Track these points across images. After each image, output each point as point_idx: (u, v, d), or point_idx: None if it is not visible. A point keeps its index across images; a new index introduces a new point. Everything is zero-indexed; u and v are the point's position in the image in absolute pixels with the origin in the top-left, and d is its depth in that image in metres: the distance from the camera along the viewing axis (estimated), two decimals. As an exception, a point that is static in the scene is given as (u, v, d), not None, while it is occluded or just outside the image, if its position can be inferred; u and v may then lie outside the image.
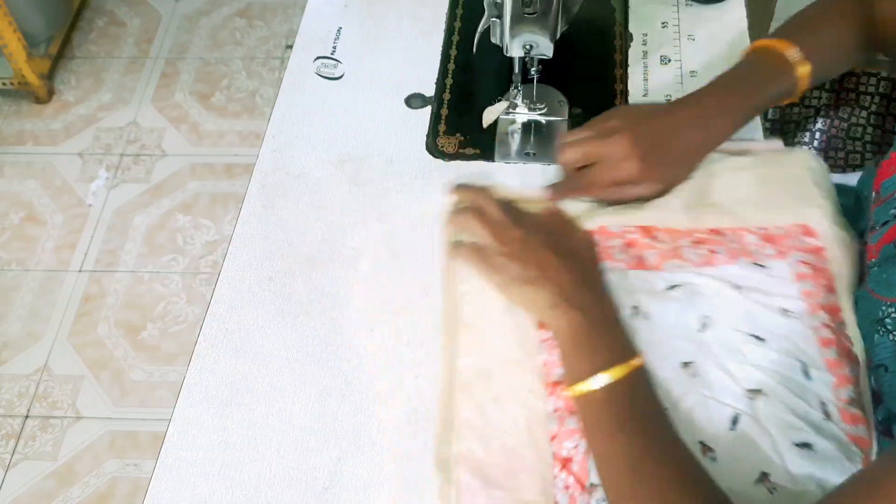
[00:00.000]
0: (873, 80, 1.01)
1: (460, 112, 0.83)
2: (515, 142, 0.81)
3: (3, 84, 1.91)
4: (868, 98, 1.00)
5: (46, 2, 1.99)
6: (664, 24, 0.89)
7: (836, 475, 0.54)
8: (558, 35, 0.73)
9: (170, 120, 1.94)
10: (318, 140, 0.82)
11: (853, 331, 0.62)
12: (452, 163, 0.79)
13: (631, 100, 0.82)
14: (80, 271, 1.69)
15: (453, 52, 0.89)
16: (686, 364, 0.61)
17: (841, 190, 0.78)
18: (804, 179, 0.70)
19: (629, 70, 0.85)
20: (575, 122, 0.80)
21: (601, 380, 0.56)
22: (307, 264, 0.73)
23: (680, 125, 0.69)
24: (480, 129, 0.82)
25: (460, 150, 0.80)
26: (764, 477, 0.56)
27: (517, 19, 0.71)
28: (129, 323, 1.61)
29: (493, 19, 0.73)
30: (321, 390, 0.65)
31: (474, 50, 0.77)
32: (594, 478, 0.57)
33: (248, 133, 1.91)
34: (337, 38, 0.91)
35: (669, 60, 0.86)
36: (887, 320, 0.59)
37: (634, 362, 0.58)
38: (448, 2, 0.94)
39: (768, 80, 0.71)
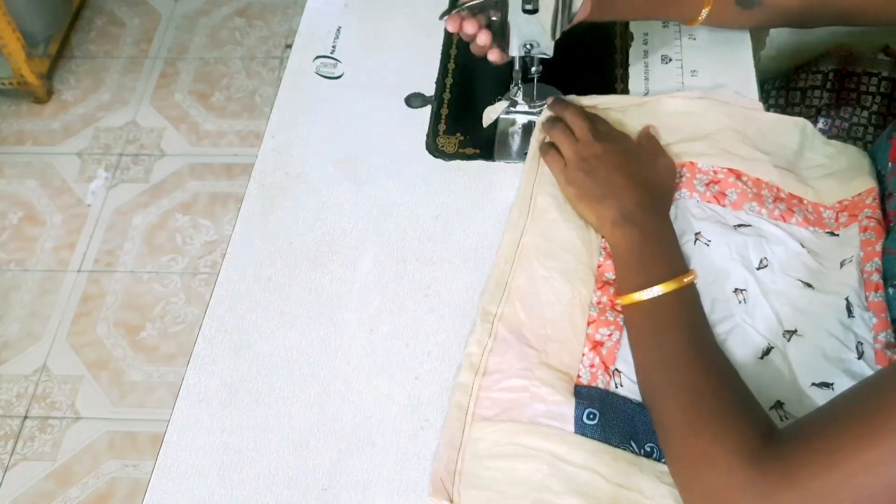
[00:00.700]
0: (874, 80, 1.01)
1: (460, 112, 0.83)
2: (515, 141, 0.81)
3: (2, 84, 1.91)
4: (869, 98, 1.00)
5: (46, 2, 1.99)
6: (665, 24, 0.89)
7: None
8: (559, 34, 0.73)
9: (169, 120, 1.94)
10: (318, 140, 0.81)
11: None
12: (452, 162, 0.79)
13: (631, 99, 0.82)
14: (79, 271, 1.69)
15: (453, 52, 0.89)
16: (737, 290, 0.66)
17: None
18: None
19: (630, 69, 0.85)
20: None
21: (651, 292, 0.62)
22: (306, 264, 0.72)
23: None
24: (480, 128, 0.82)
25: (460, 150, 0.80)
26: (779, 405, 0.60)
27: (517, 19, 0.71)
28: (128, 323, 1.61)
29: (493, 18, 0.73)
30: (320, 391, 0.65)
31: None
32: (619, 365, 0.63)
33: (247, 133, 1.90)
34: (337, 37, 0.90)
35: (670, 60, 0.85)
36: None
37: (685, 279, 0.63)
38: (448, 2, 0.94)
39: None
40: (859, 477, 0.46)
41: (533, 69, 0.78)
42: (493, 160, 0.79)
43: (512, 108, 0.81)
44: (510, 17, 0.71)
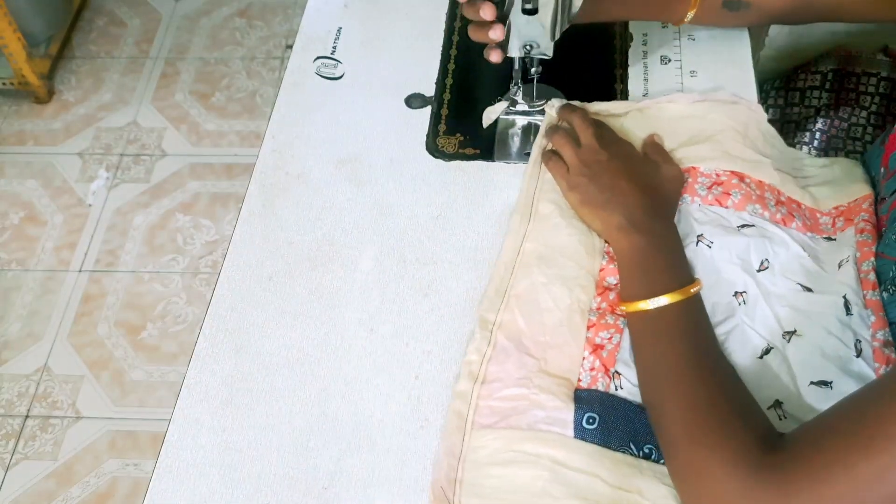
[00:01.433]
0: (873, 80, 1.01)
1: (460, 112, 0.83)
2: (515, 142, 0.81)
3: (3, 84, 1.91)
4: (868, 98, 1.00)
5: (46, 2, 1.99)
6: (664, 24, 0.89)
7: None
8: (558, 35, 0.73)
9: (170, 120, 1.94)
10: (318, 140, 0.82)
11: None
12: (452, 163, 0.79)
13: (631, 99, 0.82)
14: (80, 271, 1.69)
15: (453, 52, 0.89)
16: (737, 293, 0.67)
17: None
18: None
19: (629, 70, 0.85)
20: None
21: (656, 302, 0.61)
22: (307, 264, 0.72)
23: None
24: (480, 129, 0.82)
25: (460, 150, 0.80)
26: (777, 404, 0.61)
27: (517, 19, 0.71)
28: (129, 323, 1.61)
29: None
30: (321, 390, 0.65)
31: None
32: (620, 367, 0.63)
33: (248, 133, 1.91)
34: (337, 38, 0.91)
35: (669, 60, 0.86)
36: None
37: (691, 289, 0.62)
38: (448, 2, 0.94)
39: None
40: (859, 487, 0.46)
41: (533, 69, 0.78)
42: (493, 160, 0.79)
43: (512, 109, 0.81)
44: (510, 18, 0.71)
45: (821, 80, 1.04)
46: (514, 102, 0.81)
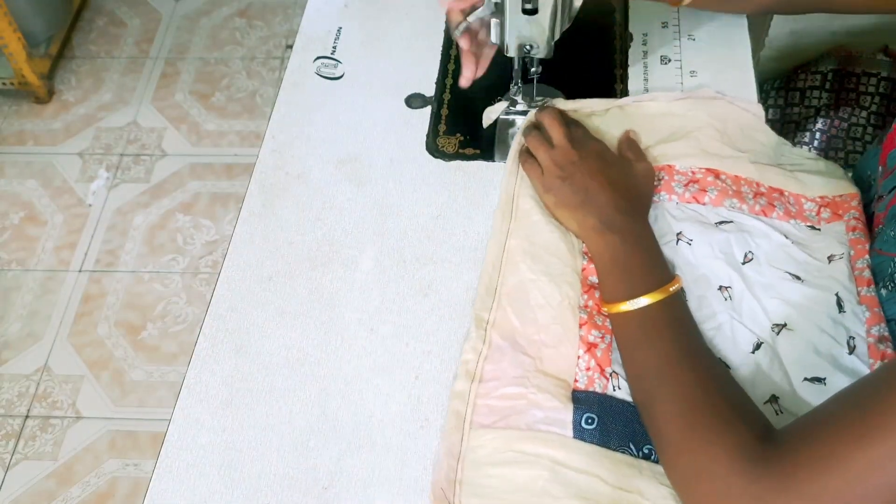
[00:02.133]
0: (873, 80, 1.01)
1: (460, 112, 0.83)
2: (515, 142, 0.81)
3: (3, 84, 1.91)
4: (868, 98, 1.00)
5: (46, 2, 1.99)
6: (664, 24, 0.89)
7: None
8: (558, 35, 0.73)
9: (170, 120, 1.94)
10: (318, 140, 0.82)
11: None
12: (452, 163, 0.79)
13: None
14: (80, 271, 1.69)
15: (453, 52, 0.89)
16: (722, 288, 0.66)
17: None
18: None
19: (629, 70, 0.85)
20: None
21: (636, 303, 0.61)
22: (307, 264, 0.73)
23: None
24: (480, 129, 0.82)
25: (460, 150, 0.80)
26: (774, 399, 0.61)
27: (517, 19, 0.71)
28: (129, 323, 1.61)
29: (493, 19, 0.73)
30: (321, 390, 0.65)
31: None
32: (616, 367, 0.62)
33: (248, 133, 1.91)
34: (337, 38, 0.91)
35: (669, 60, 0.86)
36: None
37: (670, 288, 0.62)
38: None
39: None
40: (856, 480, 0.46)
41: (532, 69, 0.78)
42: (493, 160, 0.79)
43: (512, 109, 0.81)
44: (509, 18, 0.71)
45: (821, 80, 1.04)
46: (513, 102, 0.81)
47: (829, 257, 0.68)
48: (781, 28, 1.11)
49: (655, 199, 0.72)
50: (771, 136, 0.77)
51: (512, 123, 0.82)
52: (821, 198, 0.72)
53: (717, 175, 0.73)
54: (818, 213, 0.71)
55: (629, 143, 0.75)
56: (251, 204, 0.77)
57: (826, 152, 1.00)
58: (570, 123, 0.76)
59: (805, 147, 0.98)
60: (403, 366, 0.66)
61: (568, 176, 0.70)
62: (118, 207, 1.79)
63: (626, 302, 0.62)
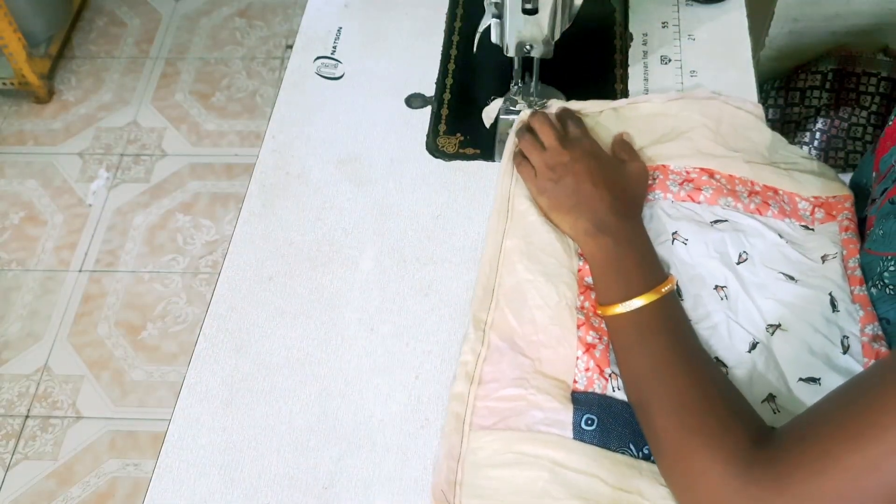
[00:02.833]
0: (873, 80, 1.01)
1: (460, 112, 0.83)
2: (515, 142, 0.81)
3: (3, 84, 1.91)
4: (868, 98, 1.00)
5: (46, 2, 1.99)
6: (664, 24, 0.89)
7: None
8: (558, 35, 0.73)
9: (170, 120, 1.94)
10: (318, 140, 0.82)
11: None
12: (452, 163, 0.79)
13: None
14: (80, 271, 1.69)
15: (453, 52, 0.89)
16: (718, 287, 0.67)
17: None
18: None
19: (629, 70, 0.85)
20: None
21: (630, 305, 0.61)
22: (307, 264, 0.73)
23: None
24: (480, 129, 0.82)
25: (460, 150, 0.80)
26: (771, 398, 0.61)
27: (517, 19, 0.71)
28: (129, 323, 1.61)
29: (494, 19, 0.73)
30: (321, 390, 0.65)
31: (474, 50, 0.77)
32: (615, 368, 0.62)
33: (248, 133, 1.91)
34: (337, 38, 0.91)
35: (669, 60, 0.86)
36: (885, 274, 0.62)
37: (663, 289, 0.62)
38: (448, 2, 0.94)
39: None
40: (852, 480, 0.46)
41: (532, 69, 0.78)
42: (493, 160, 0.79)
43: (511, 109, 0.81)
44: (509, 18, 0.71)
45: (821, 80, 1.04)
46: (513, 102, 0.81)
47: (822, 257, 0.68)
48: (781, 28, 1.11)
49: (650, 197, 0.72)
50: (766, 134, 0.77)
51: (512, 124, 0.82)
52: (815, 198, 0.72)
53: (711, 174, 0.73)
54: (812, 212, 0.71)
55: (622, 143, 0.75)
56: (251, 204, 0.77)
57: (826, 152, 1.00)
58: (565, 122, 0.76)
59: (805, 147, 0.99)
60: (403, 366, 0.66)
61: (560, 178, 0.70)
62: (118, 207, 1.79)
63: (619, 304, 0.62)
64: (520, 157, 0.75)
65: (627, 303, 0.61)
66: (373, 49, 0.89)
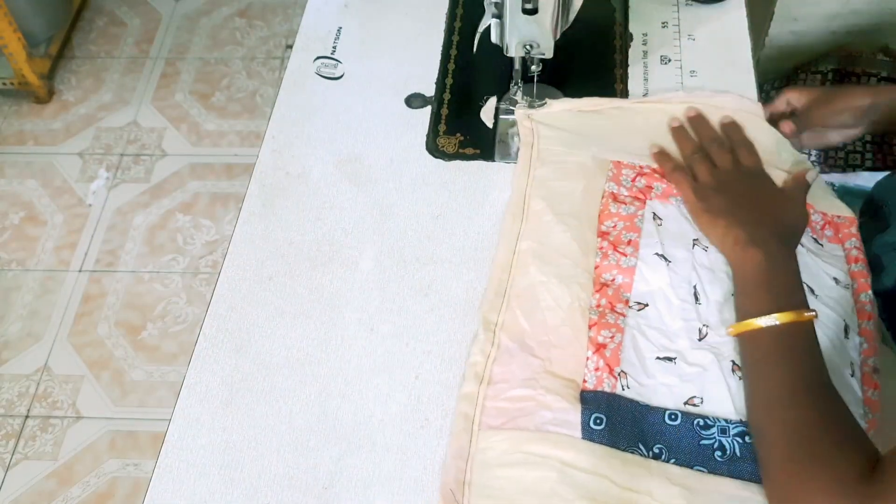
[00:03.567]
0: (873, 81, 1.01)
1: (460, 112, 0.83)
2: (515, 142, 0.81)
3: (3, 84, 1.91)
4: (868, 98, 1.00)
5: (46, 2, 1.99)
6: (664, 24, 0.89)
7: None
8: (558, 35, 0.73)
9: (170, 120, 1.94)
10: (318, 140, 0.82)
11: None
12: (452, 163, 0.79)
13: (631, 98, 0.82)
14: (80, 271, 1.69)
15: (453, 52, 0.89)
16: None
17: (845, 191, 0.79)
18: None
19: (629, 70, 0.85)
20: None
21: (769, 320, 0.60)
22: (307, 264, 0.73)
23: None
24: (480, 128, 0.82)
25: (460, 150, 0.80)
26: None
27: (517, 19, 0.71)
28: (129, 323, 1.61)
29: (493, 19, 0.73)
30: (321, 390, 0.65)
31: (474, 50, 0.77)
32: (625, 366, 0.62)
33: (248, 133, 1.90)
34: (337, 38, 0.91)
35: (669, 60, 0.86)
36: None
37: (804, 313, 0.60)
38: (448, 2, 0.94)
39: None
40: None
41: (532, 68, 0.78)
42: (493, 160, 0.79)
43: (512, 108, 0.81)
44: (509, 18, 0.71)
45: (821, 80, 1.04)
46: (513, 102, 0.81)
47: (834, 278, 0.68)
48: (781, 28, 1.11)
49: (673, 202, 0.72)
50: (770, 135, 0.77)
51: (512, 123, 0.82)
52: (822, 213, 0.73)
53: None
54: (823, 227, 0.72)
55: (798, 181, 0.72)
56: (251, 204, 0.77)
57: (826, 152, 1.00)
58: (738, 147, 0.74)
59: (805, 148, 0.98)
60: (403, 366, 0.66)
61: (724, 188, 0.69)
62: (118, 207, 1.79)
63: (759, 318, 0.60)
64: (672, 166, 0.73)
65: (767, 317, 0.60)
66: (373, 49, 0.89)
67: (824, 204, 0.73)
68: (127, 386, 1.53)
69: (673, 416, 0.60)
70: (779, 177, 0.73)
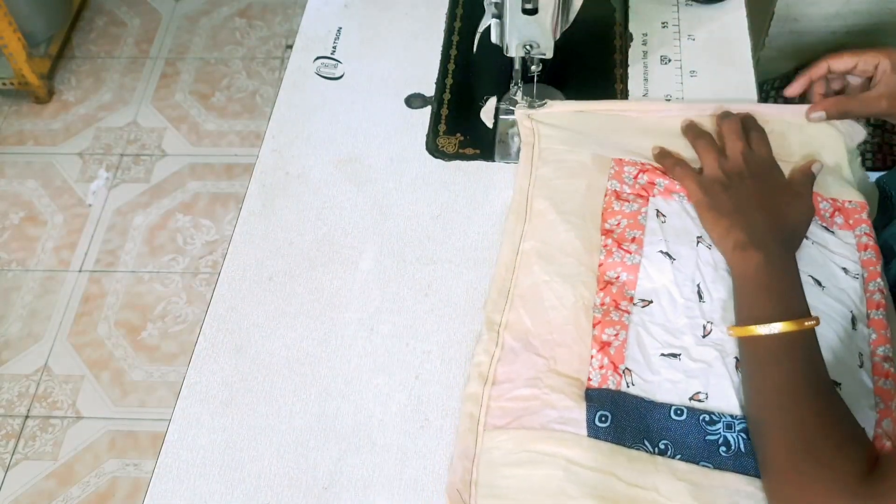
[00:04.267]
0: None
1: (460, 112, 0.83)
2: (515, 142, 0.81)
3: (3, 84, 1.91)
4: (868, 98, 1.00)
5: (46, 2, 1.99)
6: (664, 24, 0.89)
7: (857, 416, 0.58)
8: (558, 35, 0.73)
9: (170, 120, 1.94)
10: (318, 140, 0.82)
11: None
12: (452, 163, 0.79)
13: (631, 99, 0.82)
14: (80, 271, 1.69)
15: (453, 52, 0.89)
16: None
17: None
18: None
19: (629, 70, 0.85)
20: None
21: (769, 328, 0.59)
22: (307, 264, 0.73)
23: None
24: (480, 129, 0.82)
25: (460, 150, 0.80)
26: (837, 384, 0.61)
27: (517, 19, 0.71)
28: (129, 323, 1.61)
29: (493, 19, 0.73)
30: (321, 390, 0.65)
31: (474, 50, 0.77)
32: (629, 364, 0.63)
33: (248, 133, 1.91)
34: (337, 38, 0.91)
35: (669, 60, 0.86)
36: None
37: (806, 322, 0.59)
38: (448, 2, 0.94)
39: None
40: None
41: (532, 68, 0.78)
42: (493, 160, 0.79)
43: (512, 108, 0.81)
44: (509, 18, 0.71)
45: (821, 80, 1.04)
46: (513, 102, 0.81)
47: (843, 268, 0.68)
48: (781, 28, 1.11)
49: (676, 198, 0.72)
50: (779, 128, 0.76)
51: (512, 123, 0.82)
52: (832, 200, 0.72)
53: None
54: (832, 215, 0.71)
55: (804, 174, 0.71)
56: (251, 204, 0.77)
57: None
58: (750, 132, 0.73)
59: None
60: (403, 366, 0.66)
61: (731, 185, 0.69)
62: (118, 207, 1.79)
63: (758, 326, 0.60)
64: (672, 160, 0.73)
65: (767, 325, 0.59)
66: (372, 49, 0.89)
67: (834, 190, 0.72)
68: (127, 386, 1.53)
69: (679, 412, 0.60)
70: (785, 168, 0.72)
